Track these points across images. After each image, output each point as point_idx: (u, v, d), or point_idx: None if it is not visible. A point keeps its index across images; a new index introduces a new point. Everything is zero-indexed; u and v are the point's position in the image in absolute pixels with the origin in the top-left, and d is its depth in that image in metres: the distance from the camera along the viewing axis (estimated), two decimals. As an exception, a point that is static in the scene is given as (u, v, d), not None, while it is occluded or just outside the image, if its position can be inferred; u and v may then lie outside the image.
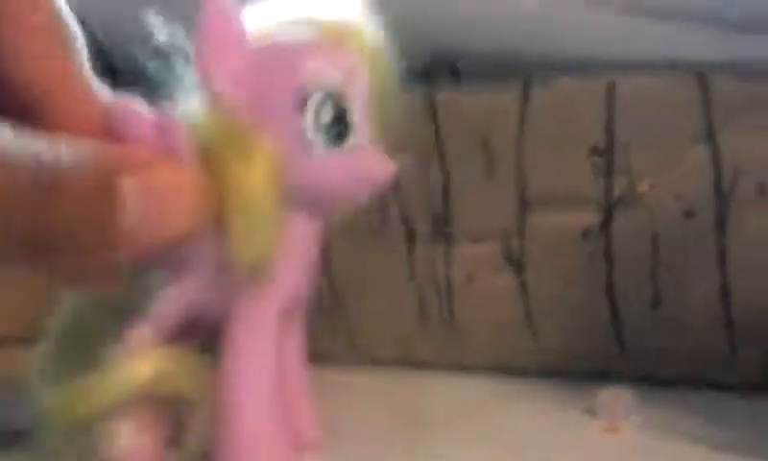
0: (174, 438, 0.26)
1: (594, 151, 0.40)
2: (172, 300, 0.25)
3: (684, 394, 0.40)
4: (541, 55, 0.39)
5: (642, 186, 0.40)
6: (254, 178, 0.24)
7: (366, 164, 0.25)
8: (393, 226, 0.43)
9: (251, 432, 0.25)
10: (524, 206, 0.42)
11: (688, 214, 0.40)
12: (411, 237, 0.43)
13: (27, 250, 0.20)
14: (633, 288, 0.41)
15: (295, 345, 0.28)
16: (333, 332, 0.45)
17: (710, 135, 0.39)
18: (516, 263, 0.42)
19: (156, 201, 0.22)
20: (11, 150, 0.20)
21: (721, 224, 0.39)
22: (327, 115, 0.24)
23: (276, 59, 0.25)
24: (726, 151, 0.39)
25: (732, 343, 0.40)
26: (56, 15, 0.24)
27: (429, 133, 0.42)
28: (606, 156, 0.40)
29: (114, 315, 0.25)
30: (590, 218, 0.41)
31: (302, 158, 0.24)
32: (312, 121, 0.24)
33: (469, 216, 0.43)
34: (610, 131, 0.40)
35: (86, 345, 0.25)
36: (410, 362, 0.45)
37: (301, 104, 0.24)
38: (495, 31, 0.39)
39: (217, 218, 0.24)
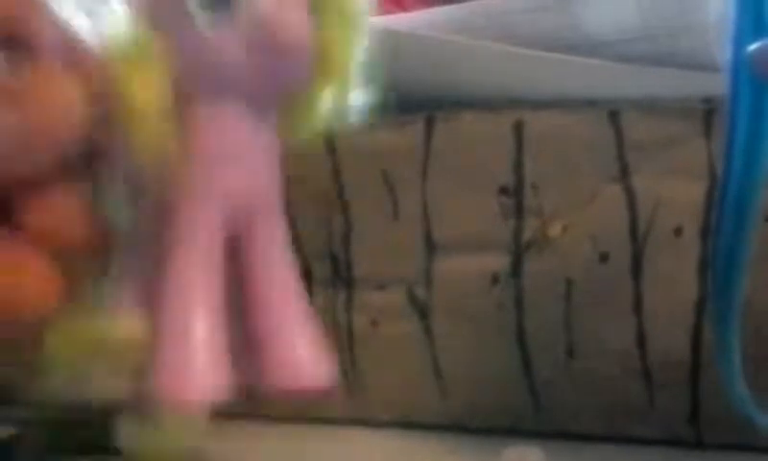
0: None
1: (503, 191, 0.38)
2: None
3: (600, 450, 0.38)
4: (445, 90, 0.36)
5: (554, 230, 0.37)
6: (134, 78, 0.23)
7: (265, 30, 0.23)
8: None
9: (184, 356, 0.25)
10: (430, 249, 0.39)
11: (603, 257, 0.37)
12: (308, 281, 0.40)
13: None
14: (546, 337, 0.38)
15: (263, 256, 0.26)
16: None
17: (625, 175, 0.36)
18: (421, 310, 0.40)
19: None
20: None
21: (637, 268, 0.37)
22: None
23: None
24: (641, 192, 0.36)
25: (649, 395, 0.38)
26: None
27: (328, 171, 0.39)
28: (515, 196, 0.37)
29: None
30: (500, 262, 0.38)
31: (191, 38, 0.23)
32: None
33: (372, 260, 0.40)
34: (518, 170, 0.37)
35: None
36: (310, 417, 0.41)
37: None
38: (397, 64, 0.36)
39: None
